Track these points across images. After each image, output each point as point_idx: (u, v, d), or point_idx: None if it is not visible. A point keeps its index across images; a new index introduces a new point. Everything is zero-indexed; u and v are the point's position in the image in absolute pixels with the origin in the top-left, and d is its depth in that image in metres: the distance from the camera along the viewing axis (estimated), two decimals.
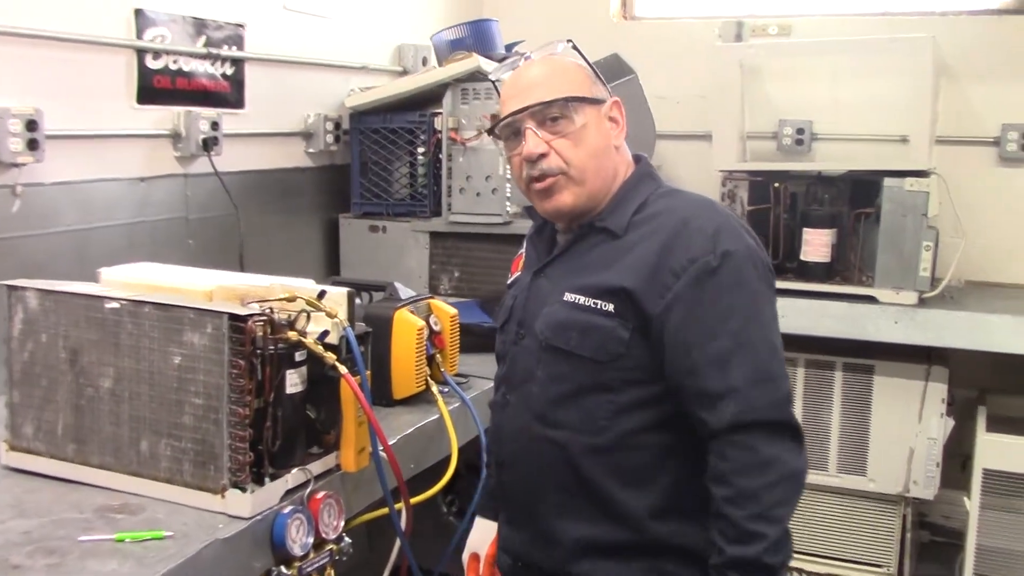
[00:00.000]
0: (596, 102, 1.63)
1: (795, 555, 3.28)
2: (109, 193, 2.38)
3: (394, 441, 1.83)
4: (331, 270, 3.22)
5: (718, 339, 1.49)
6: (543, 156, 1.60)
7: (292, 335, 1.56)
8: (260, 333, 1.51)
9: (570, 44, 1.69)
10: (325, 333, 1.61)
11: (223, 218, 2.65)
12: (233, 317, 1.49)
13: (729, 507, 1.45)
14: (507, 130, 1.66)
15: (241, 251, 2.64)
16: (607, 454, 1.56)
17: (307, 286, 1.68)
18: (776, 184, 3.15)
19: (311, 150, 3.11)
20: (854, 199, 3.13)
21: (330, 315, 1.63)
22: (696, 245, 1.52)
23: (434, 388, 2.10)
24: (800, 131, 3.58)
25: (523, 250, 1.87)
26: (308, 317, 1.60)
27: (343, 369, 1.59)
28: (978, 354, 2.96)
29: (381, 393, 2.05)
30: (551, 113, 1.59)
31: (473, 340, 2.54)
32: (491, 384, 2.33)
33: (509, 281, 1.87)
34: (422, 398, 2.10)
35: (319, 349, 1.58)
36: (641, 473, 1.56)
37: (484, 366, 2.42)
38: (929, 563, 3.40)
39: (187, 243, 2.59)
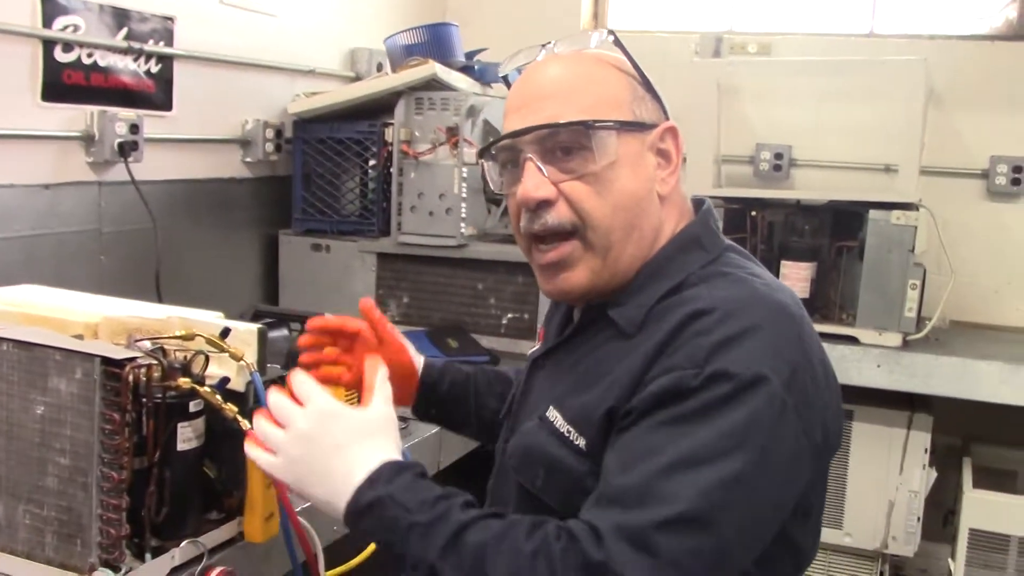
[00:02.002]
0: (638, 128, 1.15)
1: None
2: (5, 201, 2.08)
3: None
4: (268, 291, 2.93)
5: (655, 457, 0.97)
6: (547, 204, 1.12)
7: (184, 382, 1.29)
8: (144, 380, 1.25)
9: (610, 37, 1.19)
10: (225, 380, 1.34)
11: (142, 232, 2.36)
12: (107, 361, 1.21)
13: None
14: (504, 155, 1.18)
15: (157, 270, 2.34)
16: None
17: (210, 320, 1.42)
18: (753, 212, 2.93)
19: (248, 159, 2.81)
20: (836, 231, 2.91)
21: (235, 357, 1.36)
22: (685, 351, 1.01)
23: None
24: (779, 156, 3.37)
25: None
26: (207, 359, 1.34)
27: (246, 424, 1.32)
28: (963, 401, 2.75)
29: None
30: (563, 141, 1.11)
31: None
32: (435, 429, 2.07)
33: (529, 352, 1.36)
34: None
35: (217, 400, 1.31)
36: None
37: None
38: None
39: (99, 259, 2.29)
